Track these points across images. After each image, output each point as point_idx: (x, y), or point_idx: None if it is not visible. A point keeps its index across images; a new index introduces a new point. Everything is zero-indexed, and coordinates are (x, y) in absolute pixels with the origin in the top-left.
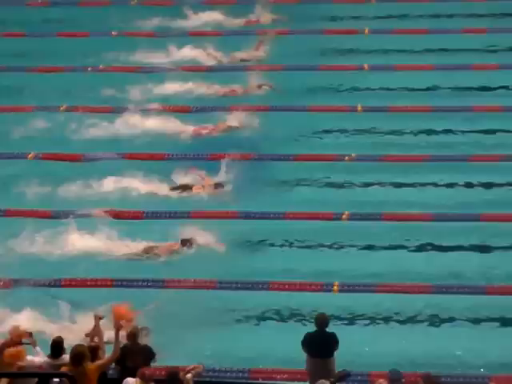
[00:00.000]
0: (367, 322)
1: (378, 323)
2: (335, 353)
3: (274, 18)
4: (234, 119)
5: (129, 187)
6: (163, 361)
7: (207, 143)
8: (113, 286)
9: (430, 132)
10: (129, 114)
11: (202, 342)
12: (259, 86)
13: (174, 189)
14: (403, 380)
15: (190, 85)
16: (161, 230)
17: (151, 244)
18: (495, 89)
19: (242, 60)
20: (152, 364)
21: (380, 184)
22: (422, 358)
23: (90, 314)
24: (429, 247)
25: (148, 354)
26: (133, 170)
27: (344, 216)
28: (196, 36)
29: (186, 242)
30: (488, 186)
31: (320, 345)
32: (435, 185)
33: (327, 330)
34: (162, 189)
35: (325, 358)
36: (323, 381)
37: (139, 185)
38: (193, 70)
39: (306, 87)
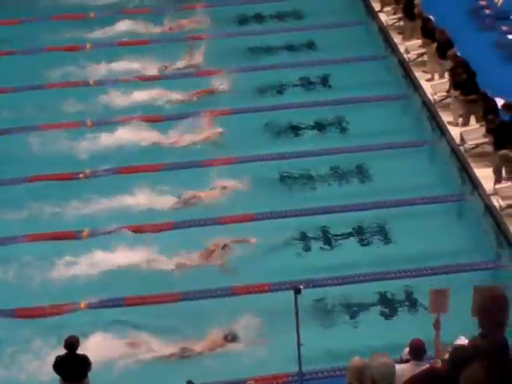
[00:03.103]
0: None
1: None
2: (88, 374)
3: (194, 23)
4: (209, 123)
5: (136, 201)
6: None
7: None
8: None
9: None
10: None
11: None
12: (212, 90)
13: (183, 198)
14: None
15: (145, 94)
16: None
17: (189, 253)
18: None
19: (185, 66)
20: None
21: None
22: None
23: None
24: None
25: None
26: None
27: (84, 233)
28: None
29: (224, 248)
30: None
31: (72, 367)
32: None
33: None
34: (169, 199)
35: (77, 380)
36: None
37: (144, 198)
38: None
39: None
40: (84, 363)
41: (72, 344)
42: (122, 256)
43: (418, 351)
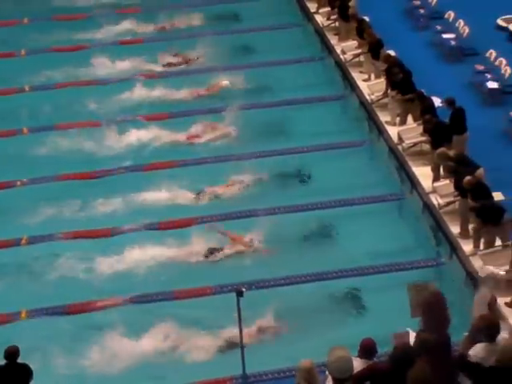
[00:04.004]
0: None
1: None
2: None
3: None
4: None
5: (154, 197)
6: None
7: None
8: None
9: None
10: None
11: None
12: (220, 86)
13: (200, 194)
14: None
15: (147, 92)
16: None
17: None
18: None
19: (187, 62)
20: None
21: None
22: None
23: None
24: None
25: None
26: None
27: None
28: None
29: (249, 241)
30: None
31: (12, 377)
32: None
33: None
34: (187, 195)
35: None
36: None
37: (163, 194)
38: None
39: None
40: (25, 372)
41: (12, 353)
42: (64, 263)
43: (368, 350)
